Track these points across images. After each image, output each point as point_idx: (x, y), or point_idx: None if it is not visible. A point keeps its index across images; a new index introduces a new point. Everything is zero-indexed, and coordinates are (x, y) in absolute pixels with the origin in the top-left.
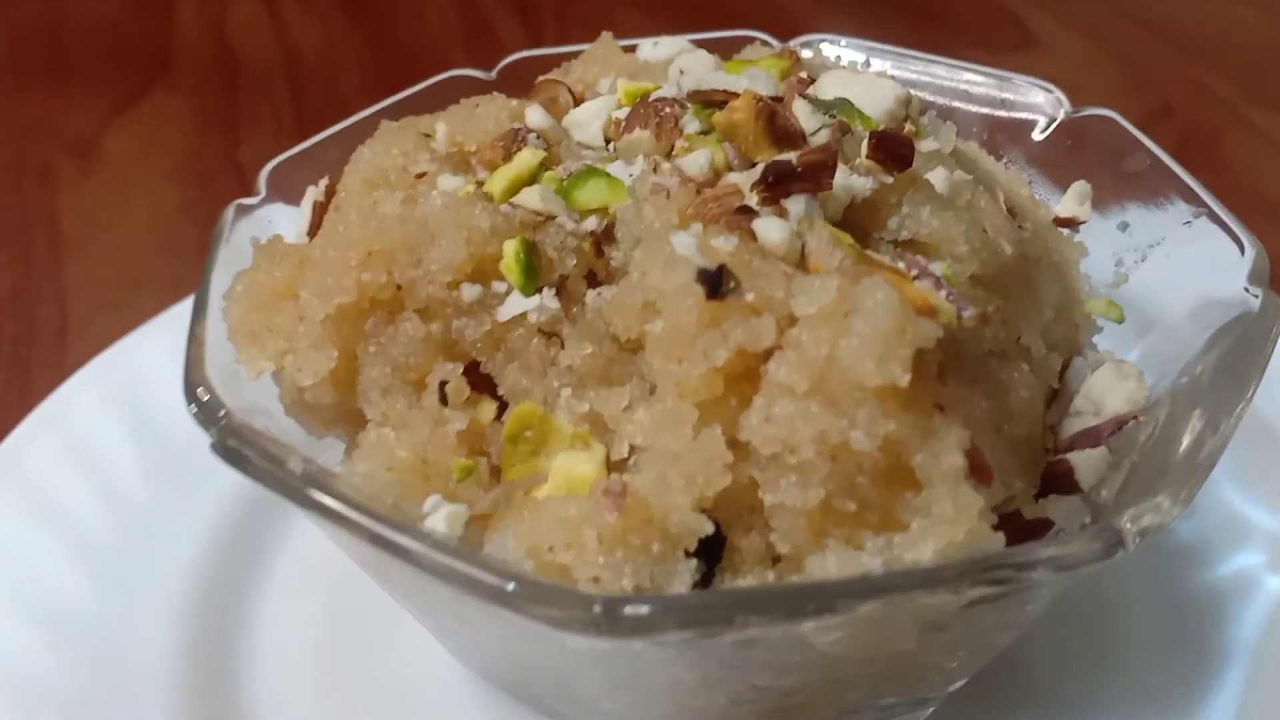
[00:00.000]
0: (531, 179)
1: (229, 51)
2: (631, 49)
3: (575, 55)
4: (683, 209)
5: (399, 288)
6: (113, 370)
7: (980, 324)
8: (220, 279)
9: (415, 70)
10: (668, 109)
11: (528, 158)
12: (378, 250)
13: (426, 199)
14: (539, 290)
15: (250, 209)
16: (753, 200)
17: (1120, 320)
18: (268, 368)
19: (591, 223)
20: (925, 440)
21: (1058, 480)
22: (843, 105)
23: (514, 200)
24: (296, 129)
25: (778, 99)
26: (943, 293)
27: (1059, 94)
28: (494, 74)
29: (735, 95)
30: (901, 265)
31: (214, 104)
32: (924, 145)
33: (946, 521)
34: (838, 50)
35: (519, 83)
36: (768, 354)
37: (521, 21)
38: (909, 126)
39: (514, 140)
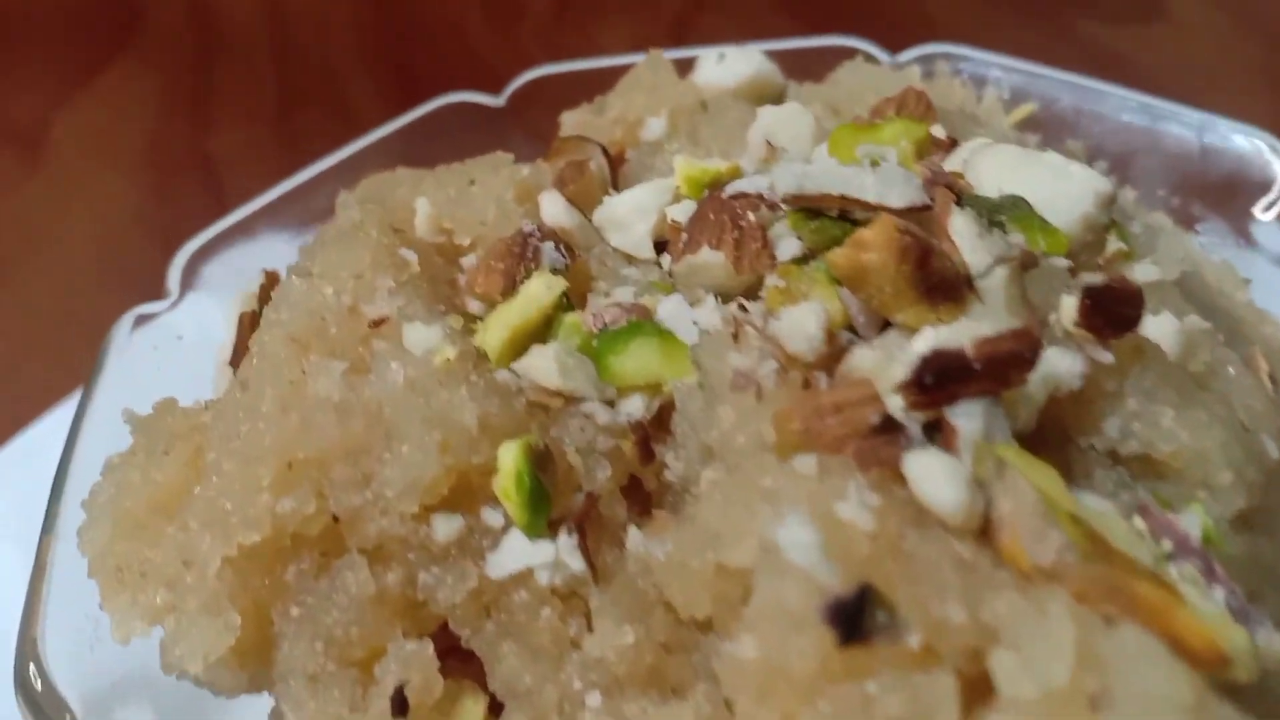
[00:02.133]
0: (545, 327)
1: (204, 12)
2: (688, 65)
3: (607, 75)
4: (782, 417)
5: (335, 519)
6: (8, 475)
7: None
8: (90, 456)
9: (423, 39)
10: (751, 214)
11: (540, 292)
12: (302, 461)
13: (381, 373)
14: (553, 527)
15: (153, 317)
16: (898, 407)
17: None
18: (140, 631)
19: (635, 406)
20: None
21: None
22: (1018, 211)
23: (518, 367)
24: (279, 112)
25: (923, 208)
26: (1218, 593)
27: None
28: (503, 99)
29: (857, 205)
30: (1142, 529)
31: (184, 77)
32: (1140, 271)
33: None
34: (969, 69)
35: (535, 113)
36: None
37: None
38: (1114, 242)
39: (522, 254)
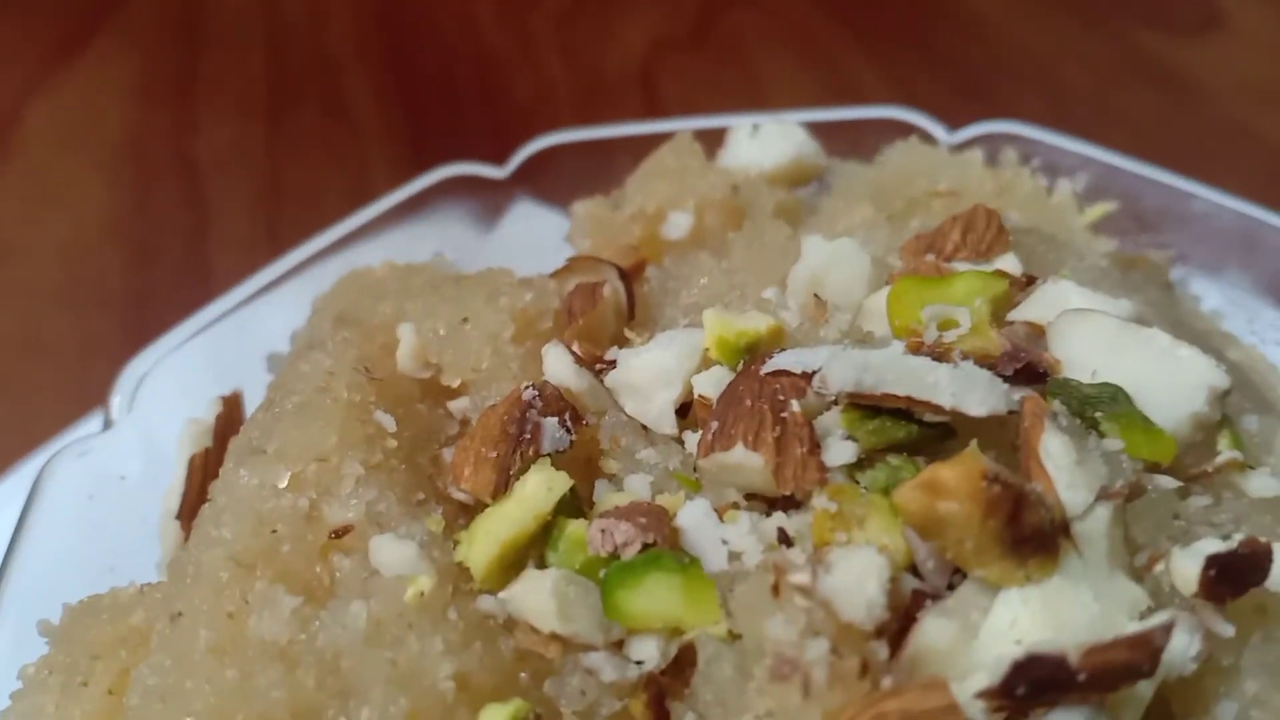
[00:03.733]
0: (542, 539)
1: None
2: (719, 136)
3: (620, 145)
4: (835, 718)
5: None
6: None
7: None
8: (10, 644)
9: (428, 31)
10: (795, 404)
11: (537, 496)
12: None
13: (339, 618)
14: None
15: (88, 450)
16: (978, 711)
17: None
18: None
19: (649, 650)
20: None
21: None
22: (1117, 407)
23: (507, 595)
24: (269, 109)
25: (1009, 412)
26: None
27: None
28: (508, 171)
29: (927, 408)
30: None
31: (168, 64)
32: (1256, 484)
33: None
34: (1034, 148)
35: (541, 183)
36: None
37: None
38: (1228, 449)
39: (519, 436)
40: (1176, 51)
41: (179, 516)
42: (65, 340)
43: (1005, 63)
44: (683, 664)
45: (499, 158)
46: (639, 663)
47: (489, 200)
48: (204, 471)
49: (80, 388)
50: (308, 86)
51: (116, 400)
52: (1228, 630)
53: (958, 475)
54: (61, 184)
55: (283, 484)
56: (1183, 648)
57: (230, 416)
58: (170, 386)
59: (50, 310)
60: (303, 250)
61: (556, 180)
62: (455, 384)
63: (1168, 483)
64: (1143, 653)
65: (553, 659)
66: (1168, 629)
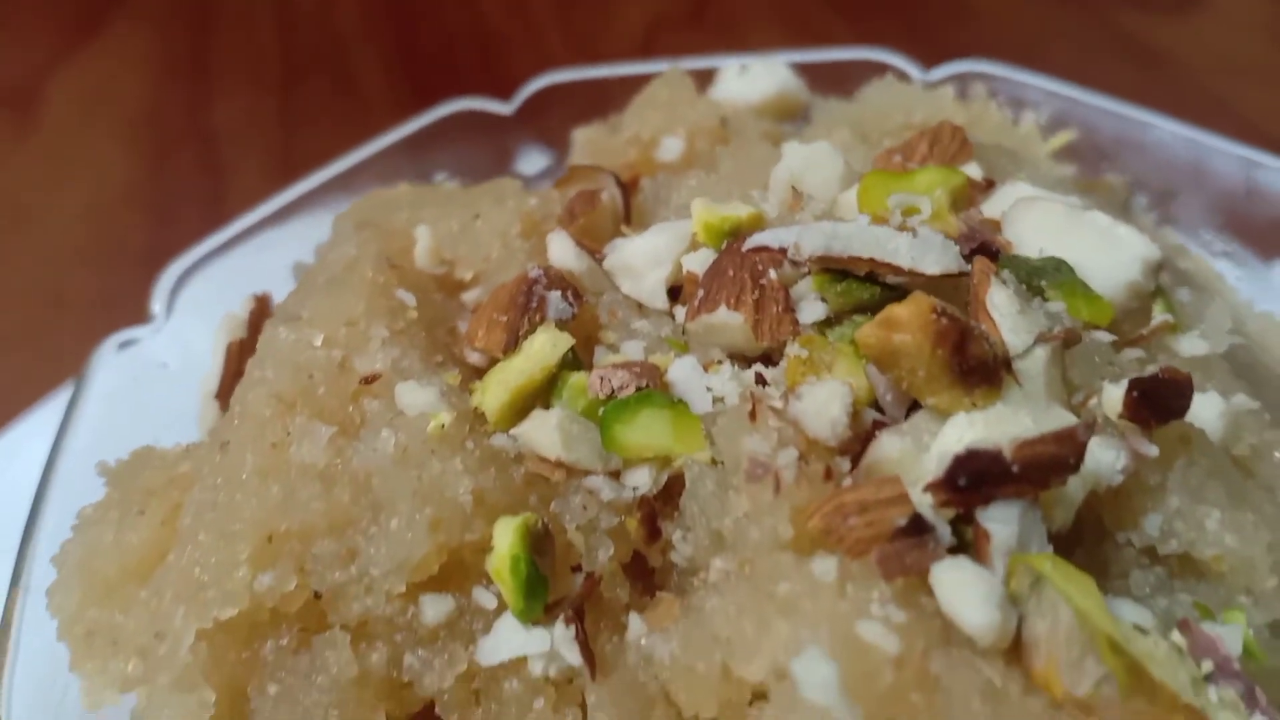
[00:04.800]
0: (548, 388)
1: None
2: (708, 76)
3: (621, 85)
4: (801, 512)
5: (317, 595)
6: None
7: None
8: (66, 495)
9: (430, 9)
10: (773, 271)
11: (544, 351)
12: (284, 534)
13: (371, 441)
14: (549, 612)
15: (136, 342)
16: (926, 506)
17: None
18: (110, 701)
19: (642, 478)
20: None
21: None
22: (1060, 276)
23: (518, 432)
24: (281, 81)
25: (960, 274)
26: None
27: None
28: (513, 107)
29: (888, 269)
30: (1181, 645)
31: (183, 41)
32: (1186, 344)
33: None
34: (1000, 86)
35: (546, 120)
36: None
37: None
38: (1160, 313)
39: (526, 305)
40: (1155, 30)
41: (217, 396)
42: (88, 295)
43: (988, 42)
44: (672, 491)
45: None
46: (634, 489)
47: (497, 142)
48: (239, 357)
49: (102, 340)
50: (317, 62)
51: (156, 301)
52: (1151, 450)
53: (910, 311)
54: (82, 153)
55: (317, 342)
56: (1110, 460)
57: (262, 311)
58: (203, 295)
59: (73, 268)
60: (320, 174)
61: (560, 122)
62: (468, 277)
63: (1104, 337)
64: (1068, 447)
65: (558, 482)
66: (1089, 425)
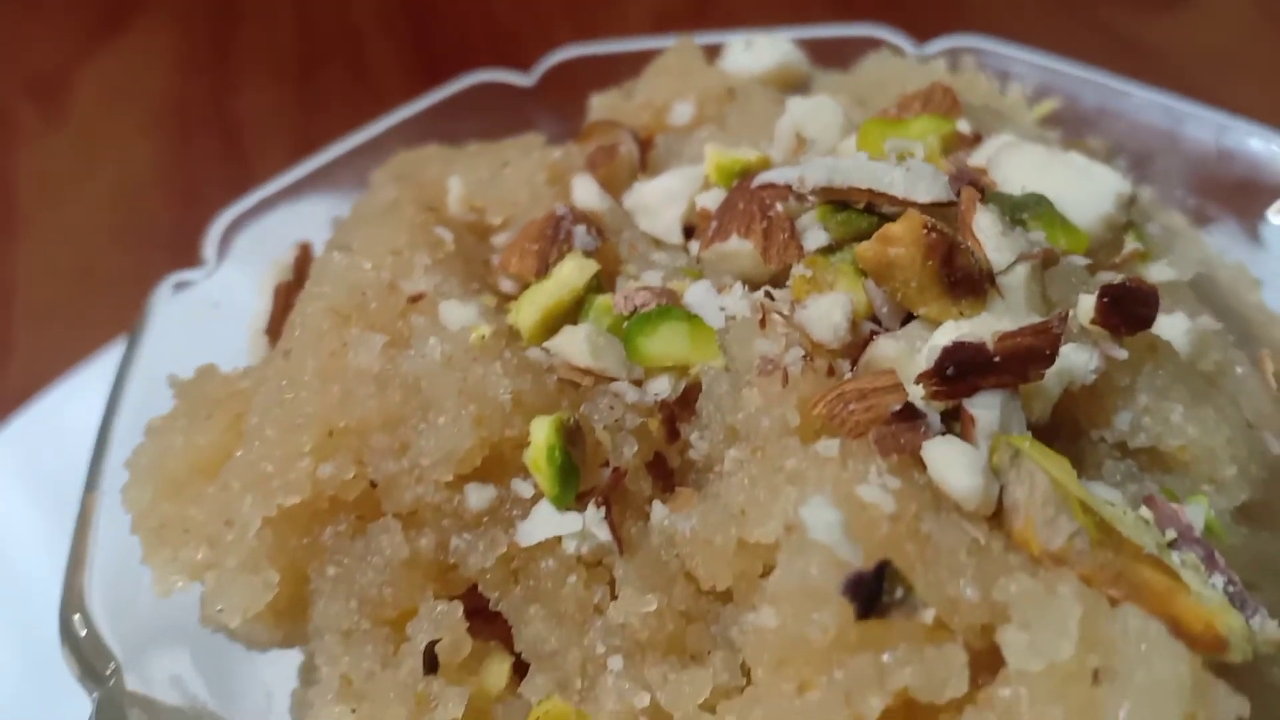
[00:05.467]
0: (576, 309)
1: None
2: (716, 51)
3: (637, 58)
4: (806, 402)
5: (373, 484)
6: (33, 436)
7: None
8: (132, 414)
9: (444, 3)
10: (779, 205)
11: (572, 275)
12: (343, 429)
13: (419, 348)
14: (581, 500)
15: (191, 285)
16: (918, 394)
17: None
18: (181, 586)
19: (662, 386)
20: None
21: None
22: (1040, 209)
23: (550, 345)
24: (300, 72)
25: (949, 203)
26: (1217, 580)
27: None
28: (533, 79)
29: (885, 199)
30: (1148, 517)
31: (205, 36)
32: (1156, 271)
33: None
34: (993, 62)
35: (565, 93)
36: (953, 704)
37: None
38: (1132, 242)
39: (554, 238)
40: (1143, 29)
41: (267, 332)
42: (119, 273)
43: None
44: (689, 398)
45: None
46: (656, 395)
47: (518, 115)
48: (286, 297)
49: (134, 315)
50: (334, 53)
51: (208, 246)
52: (1121, 353)
53: (903, 228)
54: (110, 140)
55: (367, 265)
56: (1084, 361)
57: (305, 257)
58: (245, 248)
59: (104, 247)
60: (347, 142)
61: (578, 96)
62: (498, 221)
63: (1080, 260)
64: (1044, 339)
65: (587, 388)
66: (1063, 318)
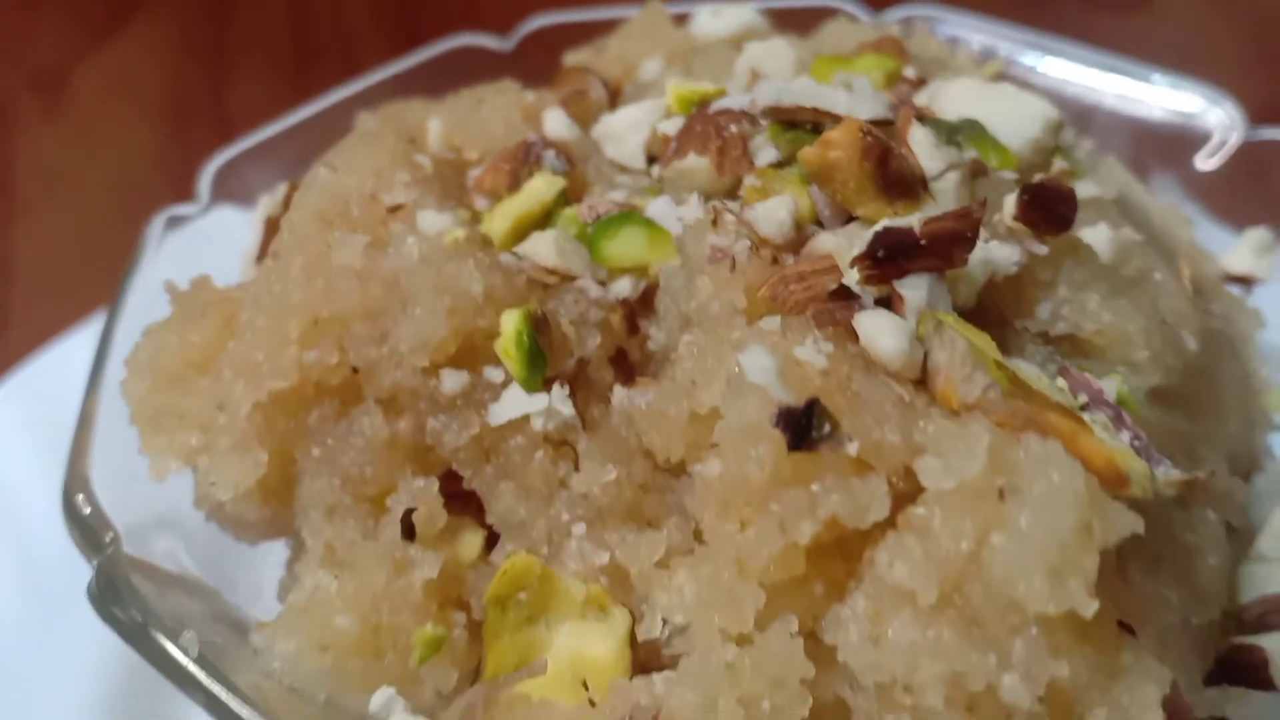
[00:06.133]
0: (545, 219)
1: None
2: (684, 19)
3: (612, 25)
4: (753, 286)
5: (355, 370)
6: (35, 388)
7: (1186, 492)
8: (129, 328)
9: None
10: (734, 126)
11: (541, 188)
12: (327, 318)
13: (398, 247)
14: (547, 384)
15: (186, 219)
16: (853, 279)
17: None
18: (175, 468)
19: (624, 286)
20: (1109, 686)
21: (1243, 671)
22: (973, 131)
23: (520, 250)
24: (294, 70)
25: (886, 121)
26: (1125, 435)
27: (1232, 108)
28: (511, 44)
29: (828, 117)
30: (1062, 385)
31: (201, 33)
32: (1081, 188)
33: None
34: (946, 30)
35: (541, 59)
36: (876, 529)
37: None
38: (1060, 162)
39: (525, 159)
40: (1107, 31)
41: (259, 261)
42: (115, 251)
43: None
44: (649, 297)
45: None
46: (618, 295)
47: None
48: (278, 229)
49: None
50: (326, 49)
51: (201, 187)
52: (1041, 249)
53: (842, 132)
54: (109, 131)
55: (351, 180)
56: (1007, 255)
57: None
58: (237, 191)
59: (105, 227)
60: (330, 97)
61: (556, 61)
62: (475, 156)
63: (1008, 175)
64: (965, 222)
65: (554, 285)
66: (982, 203)
